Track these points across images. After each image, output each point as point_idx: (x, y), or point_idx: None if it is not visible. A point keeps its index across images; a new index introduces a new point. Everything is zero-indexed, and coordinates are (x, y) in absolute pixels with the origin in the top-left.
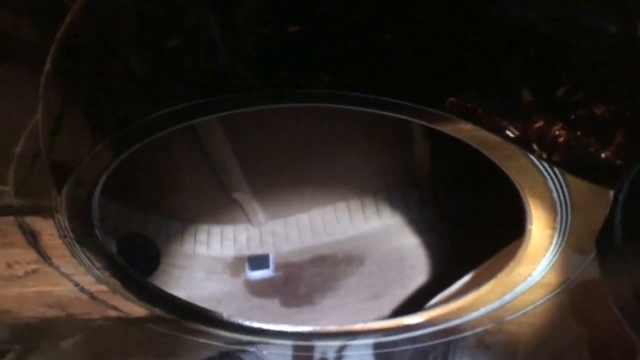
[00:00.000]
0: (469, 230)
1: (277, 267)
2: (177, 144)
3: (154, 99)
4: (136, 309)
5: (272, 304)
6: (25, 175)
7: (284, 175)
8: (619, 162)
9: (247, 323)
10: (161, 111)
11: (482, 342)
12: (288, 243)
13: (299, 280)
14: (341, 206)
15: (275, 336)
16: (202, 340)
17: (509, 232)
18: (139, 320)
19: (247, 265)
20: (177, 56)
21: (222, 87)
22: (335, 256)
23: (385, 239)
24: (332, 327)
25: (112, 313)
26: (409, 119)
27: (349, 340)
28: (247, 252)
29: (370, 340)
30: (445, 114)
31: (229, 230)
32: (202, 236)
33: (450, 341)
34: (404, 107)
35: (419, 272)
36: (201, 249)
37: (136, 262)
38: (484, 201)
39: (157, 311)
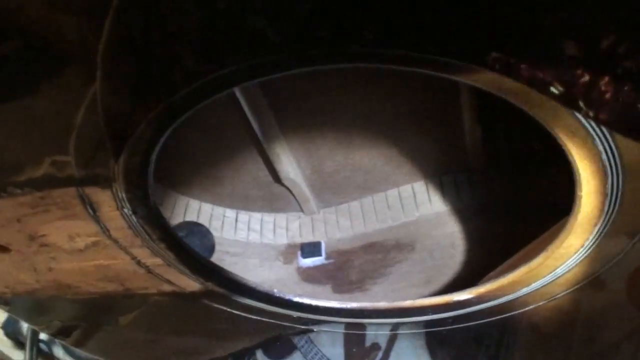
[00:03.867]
0: (521, 215)
1: (329, 255)
2: (228, 133)
3: (205, 63)
4: (190, 283)
5: (324, 290)
6: (85, 145)
7: (334, 163)
8: None
9: (297, 299)
10: (209, 77)
11: (536, 329)
12: (340, 230)
13: (351, 267)
14: (392, 193)
15: (325, 313)
16: (254, 317)
17: (561, 216)
18: (193, 294)
19: (299, 253)
20: (228, 17)
21: (268, 47)
22: (386, 243)
23: (437, 224)
24: (382, 304)
25: (167, 287)
26: (449, 77)
27: (398, 317)
28: (299, 240)
29: (421, 320)
30: (489, 70)
31: (281, 218)
32: (255, 224)
33: (504, 328)
34: (443, 64)
35: (470, 258)
36: (254, 237)
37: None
38: (536, 185)
39: (210, 285)
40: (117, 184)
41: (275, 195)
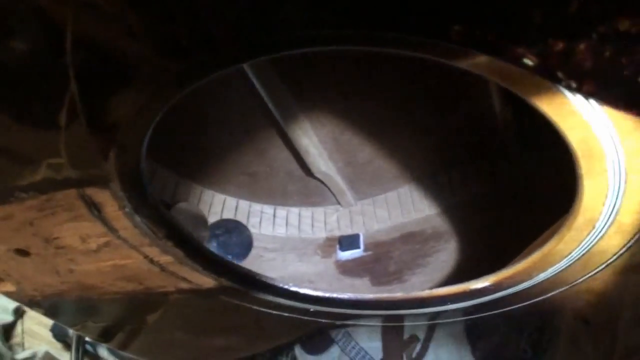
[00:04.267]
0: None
1: (367, 247)
2: (256, 129)
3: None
4: (205, 280)
5: (363, 283)
6: (74, 145)
7: (367, 154)
8: None
9: (313, 293)
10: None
11: (579, 316)
12: (378, 222)
13: (389, 259)
14: (428, 182)
15: (355, 306)
16: (276, 312)
17: None
18: (210, 291)
19: (337, 246)
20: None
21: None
22: (424, 232)
23: (474, 211)
24: (398, 295)
25: (184, 285)
26: (418, 54)
27: (425, 307)
28: (337, 233)
29: (457, 315)
30: (453, 45)
31: (319, 212)
32: (293, 219)
33: (545, 317)
34: (405, 42)
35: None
36: (293, 232)
37: (230, 246)
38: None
39: (224, 281)
40: (114, 184)
41: (312, 189)
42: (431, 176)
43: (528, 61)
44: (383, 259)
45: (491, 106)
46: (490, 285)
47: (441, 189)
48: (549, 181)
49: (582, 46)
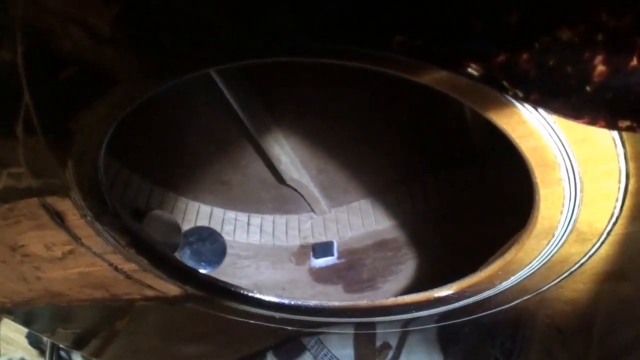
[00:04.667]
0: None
1: (341, 254)
2: (229, 136)
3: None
4: (170, 287)
5: (336, 290)
6: (33, 155)
7: (340, 162)
8: (608, 95)
9: (277, 300)
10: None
11: (552, 324)
12: (351, 229)
13: (362, 266)
14: (402, 190)
15: (321, 314)
16: (241, 319)
17: None
18: (176, 299)
19: (311, 253)
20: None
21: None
22: (396, 240)
23: (447, 220)
24: (364, 303)
25: (150, 292)
26: (362, 65)
27: (392, 315)
28: (312, 241)
29: (403, 318)
30: (397, 56)
31: (293, 219)
32: (267, 227)
33: (519, 325)
34: (348, 53)
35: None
36: (267, 239)
37: (204, 254)
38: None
39: (189, 289)
40: (74, 193)
41: (286, 197)
42: (404, 184)
43: (473, 71)
44: (356, 266)
45: (463, 116)
46: (453, 294)
47: (414, 198)
48: (518, 190)
49: (525, 56)
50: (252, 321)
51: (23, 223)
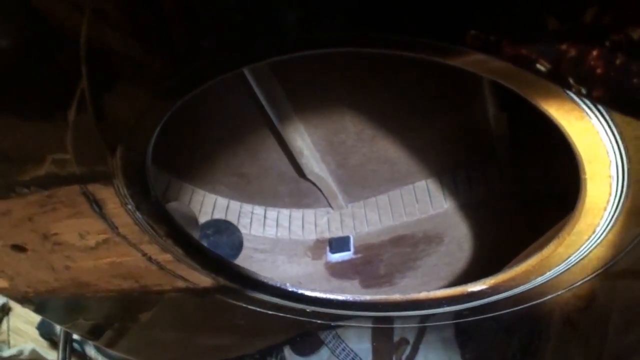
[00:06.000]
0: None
1: (358, 249)
2: (250, 129)
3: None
4: (202, 279)
5: (352, 285)
6: (81, 142)
7: (360, 157)
8: None
9: (308, 293)
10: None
11: (568, 321)
12: (368, 224)
13: (379, 261)
14: (420, 185)
15: (341, 307)
16: (270, 312)
17: None
18: (206, 290)
19: (328, 248)
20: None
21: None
22: (414, 236)
23: (465, 216)
24: (395, 296)
25: (181, 283)
26: (433, 58)
27: (418, 310)
28: (328, 235)
29: (447, 318)
30: (469, 49)
31: (310, 214)
32: (284, 221)
33: (535, 322)
34: (421, 45)
35: (499, 249)
36: (283, 233)
37: (220, 246)
38: (563, 175)
39: (221, 280)
40: (118, 180)
41: (303, 191)
42: (422, 181)
43: (541, 67)
44: (373, 261)
45: (485, 112)
46: (487, 288)
47: (432, 194)
48: (540, 187)
49: (594, 53)
50: (279, 313)
51: (60, 211)
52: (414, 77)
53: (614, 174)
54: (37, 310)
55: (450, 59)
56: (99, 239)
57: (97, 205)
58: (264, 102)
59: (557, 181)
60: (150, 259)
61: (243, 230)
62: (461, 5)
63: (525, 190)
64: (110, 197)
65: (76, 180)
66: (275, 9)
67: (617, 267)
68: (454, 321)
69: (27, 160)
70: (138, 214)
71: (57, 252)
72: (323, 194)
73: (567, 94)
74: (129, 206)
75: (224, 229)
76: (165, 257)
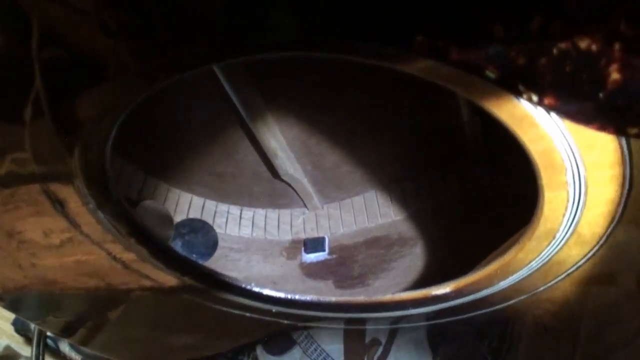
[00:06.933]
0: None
1: (332, 250)
2: (225, 128)
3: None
4: (168, 278)
5: (326, 286)
6: (39, 141)
7: (335, 158)
8: (620, 102)
9: (273, 294)
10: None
11: (540, 323)
12: (344, 226)
13: (353, 262)
14: (395, 188)
15: (317, 309)
16: (238, 312)
17: None
18: (173, 289)
19: (303, 248)
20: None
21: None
22: (389, 237)
23: (440, 217)
24: (359, 299)
25: (147, 282)
26: (382, 64)
27: (387, 311)
28: (303, 236)
29: (419, 320)
30: (417, 55)
31: (285, 214)
32: (259, 221)
33: (505, 325)
34: (368, 51)
35: (475, 251)
36: (259, 233)
37: (195, 246)
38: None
39: (187, 280)
40: (78, 180)
41: (279, 192)
42: (398, 182)
43: (490, 74)
44: (348, 262)
45: (459, 115)
46: (451, 292)
47: (407, 195)
48: (513, 190)
49: (543, 61)
50: (247, 314)
51: (23, 209)
52: (388, 79)
53: (570, 180)
54: (8, 307)
55: (400, 66)
56: (63, 238)
57: (58, 204)
58: (237, 104)
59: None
60: (114, 257)
61: (218, 230)
62: (408, 10)
63: (501, 191)
64: (71, 196)
65: (36, 179)
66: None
67: (586, 271)
68: (425, 323)
69: None
70: (100, 213)
71: (22, 250)
72: (298, 195)
73: (519, 100)
74: (90, 205)
75: (199, 228)
76: (129, 256)
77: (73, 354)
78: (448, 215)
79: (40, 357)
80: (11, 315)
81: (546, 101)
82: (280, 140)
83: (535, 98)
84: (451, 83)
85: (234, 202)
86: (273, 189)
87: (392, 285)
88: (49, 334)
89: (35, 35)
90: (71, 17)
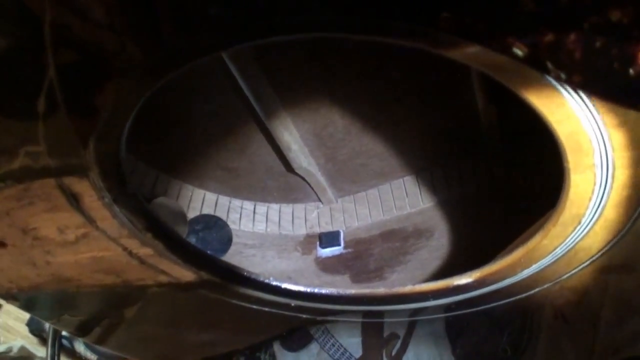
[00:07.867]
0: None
1: (348, 244)
2: (237, 123)
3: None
4: (184, 273)
5: (342, 280)
6: (53, 133)
7: (349, 150)
8: None
9: (292, 287)
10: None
11: (559, 314)
12: (358, 219)
13: (369, 256)
14: (410, 179)
15: (336, 302)
16: (256, 307)
17: None
18: (189, 285)
19: (318, 243)
20: None
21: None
22: (404, 230)
23: (455, 209)
24: (380, 290)
25: (163, 278)
26: (404, 43)
27: (404, 304)
28: (318, 230)
29: (438, 313)
30: (442, 33)
31: (300, 209)
32: (273, 216)
33: (525, 316)
34: (392, 29)
35: (489, 244)
36: (273, 228)
37: (209, 242)
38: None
39: (204, 275)
40: (93, 173)
41: (293, 186)
42: (413, 174)
43: (518, 51)
44: (363, 256)
45: (475, 105)
46: (473, 282)
47: (423, 188)
48: (531, 179)
49: (572, 36)
50: (265, 308)
51: (37, 204)
52: (401, 71)
53: (597, 162)
54: (23, 306)
55: (443, 51)
56: (78, 233)
57: (73, 199)
58: (250, 97)
59: (548, 175)
60: (131, 253)
61: (232, 226)
62: None
63: (517, 184)
64: (86, 190)
65: (51, 173)
66: None
67: (606, 259)
68: (444, 315)
69: (0, 154)
70: (115, 207)
71: (37, 247)
72: (312, 189)
73: (547, 79)
74: (106, 199)
75: (213, 224)
76: (145, 251)
77: (88, 354)
78: (464, 208)
79: (56, 357)
80: (25, 316)
81: (574, 79)
82: (293, 133)
83: (563, 76)
84: (476, 63)
85: (248, 197)
86: (287, 183)
87: (409, 278)
88: (64, 333)
89: (46, 30)
90: (80, 10)
